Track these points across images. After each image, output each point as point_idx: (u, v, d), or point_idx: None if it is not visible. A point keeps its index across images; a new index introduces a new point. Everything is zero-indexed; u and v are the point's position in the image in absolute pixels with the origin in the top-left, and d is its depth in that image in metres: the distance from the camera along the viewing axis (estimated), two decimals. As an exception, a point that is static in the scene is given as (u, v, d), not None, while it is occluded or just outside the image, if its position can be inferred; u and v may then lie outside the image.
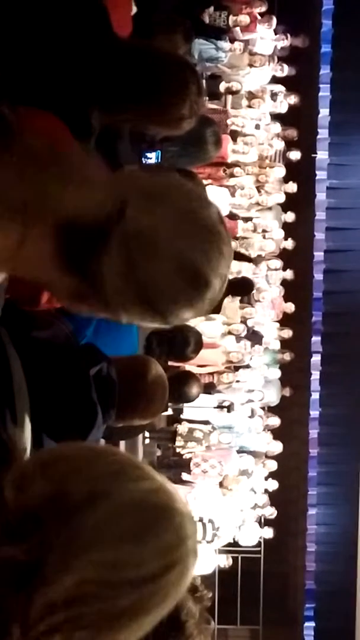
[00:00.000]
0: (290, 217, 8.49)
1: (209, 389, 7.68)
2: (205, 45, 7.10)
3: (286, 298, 8.47)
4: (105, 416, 1.92)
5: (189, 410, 7.57)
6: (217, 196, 7.68)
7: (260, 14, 7.97)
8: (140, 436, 4.99)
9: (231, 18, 7.57)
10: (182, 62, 2.11)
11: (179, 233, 1.00)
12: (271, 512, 8.06)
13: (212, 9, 7.26)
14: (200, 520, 6.72)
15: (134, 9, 2.74)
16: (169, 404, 5.88)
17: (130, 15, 2.65)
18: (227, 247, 1.05)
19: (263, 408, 8.26)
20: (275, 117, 8.40)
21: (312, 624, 8.35)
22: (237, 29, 7.72)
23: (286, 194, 8.40)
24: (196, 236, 1.01)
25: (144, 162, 3.00)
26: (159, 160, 3.12)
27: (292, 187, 8.43)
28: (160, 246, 0.99)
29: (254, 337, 8.09)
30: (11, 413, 1.67)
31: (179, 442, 7.58)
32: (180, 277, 1.00)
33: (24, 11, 1.71)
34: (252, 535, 8.07)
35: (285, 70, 8.28)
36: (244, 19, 7.65)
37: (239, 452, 7.92)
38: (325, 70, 8.45)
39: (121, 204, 0.97)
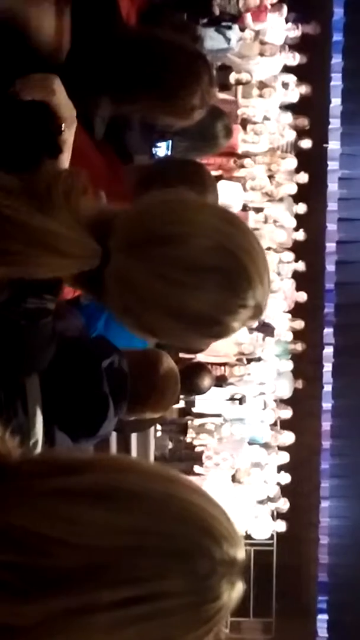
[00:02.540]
0: (301, 208, 8.45)
1: (221, 381, 7.69)
2: (216, 37, 7.06)
3: (298, 289, 8.45)
4: (117, 409, 1.92)
5: (200, 403, 7.58)
6: (230, 191, 7.66)
7: (271, 4, 7.93)
8: (152, 429, 5.00)
9: (241, 2, 7.51)
10: (194, 52, 2.09)
11: None
12: (284, 503, 8.07)
13: (220, -1, 7.20)
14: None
15: None
16: (181, 396, 5.89)
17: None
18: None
19: (275, 400, 8.26)
20: (286, 106, 8.36)
21: (325, 616, 8.36)
22: (249, 17, 7.67)
23: (297, 184, 8.37)
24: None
25: (154, 152, 2.98)
26: (169, 150, 3.10)
27: (303, 177, 8.40)
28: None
29: (266, 329, 8.09)
30: (23, 405, 1.67)
31: (190, 434, 7.59)
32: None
33: None
34: (265, 528, 8.08)
35: (296, 59, 8.23)
36: (253, 2, 7.58)
37: (250, 444, 7.92)
38: (337, 59, 8.39)
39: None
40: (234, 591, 0.78)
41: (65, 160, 1.22)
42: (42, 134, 1.19)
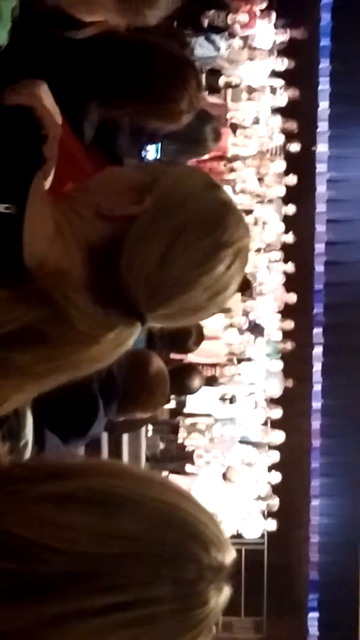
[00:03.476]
0: (290, 209, 8.50)
1: (212, 381, 7.71)
2: (205, 45, 7.09)
3: (287, 290, 8.49)
4: (107, 409, 1.94)
5: (191, 403, 7.60)
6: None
7: (260, 10, 7.96)
8: (143, 429, 5.01)
9: (230, 16, 7.55)
10: (182, 58, 2.12)
11: None
12: (275, 503, 8.10)
13: (211, 12, 7.25)
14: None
15: None
16: (172, 397, 5.91)
17: None
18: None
19: (266, 400, 8.29)
20: (275, 110, 8.40)
21: (316, 614, 8.39)
22: (237, 26, 7.71)
23: (286, 186, 8.40)
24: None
25: (143, 155, 3.00)
26: (159, 153, 3.12)
27: (292, 179, 8.44)
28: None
29: (256, 329, 8.13)
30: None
31: (181, 434, 7.61)
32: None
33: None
34: (256, 527, 8.11)
35: (284, 63, 8.28)
36: (243, 17, 7.63)
37: (241, 443, 7.95)
38: (324, 64, 8.44)
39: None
40: (222, 596, 0.78)
41: (49, 170, 1.21)
42: (25, 142, 1.16)
